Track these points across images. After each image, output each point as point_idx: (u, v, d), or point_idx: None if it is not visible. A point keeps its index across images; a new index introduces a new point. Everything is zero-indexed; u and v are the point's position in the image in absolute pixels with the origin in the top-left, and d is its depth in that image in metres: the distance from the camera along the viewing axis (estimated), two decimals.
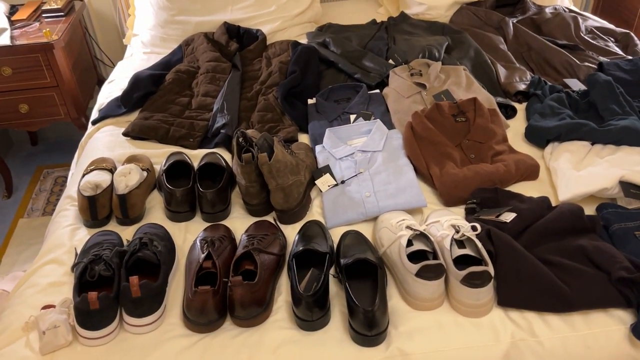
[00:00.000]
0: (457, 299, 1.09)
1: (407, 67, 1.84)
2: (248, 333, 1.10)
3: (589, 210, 1.33)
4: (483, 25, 2.22)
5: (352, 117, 1.69)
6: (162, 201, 1.47)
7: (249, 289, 1.10)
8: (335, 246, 1.27)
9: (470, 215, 1.31)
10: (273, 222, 1.38)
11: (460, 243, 1.17)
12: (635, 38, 2.08)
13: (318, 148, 1.56)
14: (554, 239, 1.20)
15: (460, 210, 1.36)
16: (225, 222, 1.40)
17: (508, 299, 1.10)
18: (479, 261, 1.13)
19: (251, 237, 1.26)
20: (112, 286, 1.11)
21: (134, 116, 1.83)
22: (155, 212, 1.44)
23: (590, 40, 2.06)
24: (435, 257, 1.14)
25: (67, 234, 1.35)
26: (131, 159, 1.56)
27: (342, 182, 1.44)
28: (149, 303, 1.09)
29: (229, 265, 1.21)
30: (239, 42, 2.18)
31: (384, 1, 2.52)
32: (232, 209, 1.44)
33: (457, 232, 1.15)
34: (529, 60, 2.01)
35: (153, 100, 1.84)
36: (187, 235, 1.35)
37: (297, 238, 1.27)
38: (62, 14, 2.47)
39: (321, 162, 1.51)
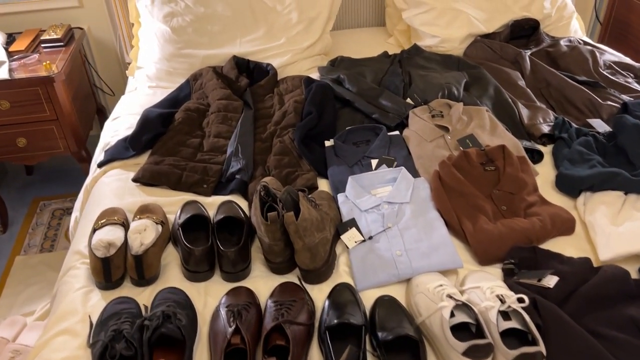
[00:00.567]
0: None
1: (427, 108, 1.78)
2: None
3: (631, 268, 1.27)
4: (498, 59, 2.17)
5: (374, 162, 1.62)
6: (177, 257, 1.39)
7: None
8: (368, 313, 1.20)
9: (508, 277, 1.25)
10: (298, 282, 1.30)
11: (505, 314, 1.10)
12: None
13: (341, 198, 1.49)
14: (601, 307, 1.13)
15: (496, 271, 1.29)
16: (246, 282, 1.32)
17: None
18: (526, 334, 1.07)
19: (278, 304, 1.19)
20: None
21: (142, 158, 1.75)
22: (171, 269, 1.36)
23: (610, 77, 2.02)
24: (480, 330, 1.07)
25: (79, 298, 1.26)
26: (143, 210, 1.48)
27: (370, 237, 1.36)
28: None
29: (256, 336, 1.13)
30: (248, 76, 2.11)
31: (395, 32, 2.46)
32: (253, 266, 1.37)
33: (503, 302, 1.09)
34: (549, 98, 1.96)
35: (163, 142, 1.76)
36: (208, 299, 1.27)
37: (327, 305, 1.20)
38: (61, 44, 2.39)
39: (345, 214, 1.44)
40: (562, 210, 1.41)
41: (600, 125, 1.76)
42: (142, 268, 1.29)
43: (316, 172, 1.63)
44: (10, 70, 2.19)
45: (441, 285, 1.17)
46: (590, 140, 1.63)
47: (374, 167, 1.60)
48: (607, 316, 1.11)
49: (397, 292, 1.25)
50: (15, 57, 2.28)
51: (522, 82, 1.99)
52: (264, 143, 1.77)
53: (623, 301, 1.14)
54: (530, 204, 1.42)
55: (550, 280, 1.19)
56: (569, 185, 1.49)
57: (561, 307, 1.13)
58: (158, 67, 2.18)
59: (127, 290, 1.30)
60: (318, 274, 1.30)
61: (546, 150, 1.70)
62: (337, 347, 1.10)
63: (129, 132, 1.86)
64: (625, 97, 1.89)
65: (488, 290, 1.13)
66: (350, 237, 1.37)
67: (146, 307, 1.22)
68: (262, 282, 1.31)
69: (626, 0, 2.87)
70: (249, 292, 1.25)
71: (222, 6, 2.17)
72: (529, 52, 2.19)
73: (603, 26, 3.03)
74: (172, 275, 1.34)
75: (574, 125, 1.74)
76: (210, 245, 1.33)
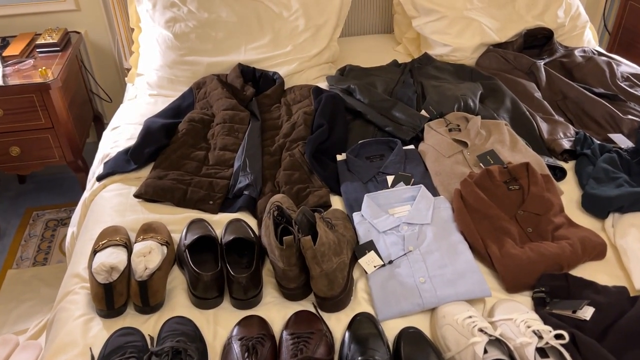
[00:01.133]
0: None
1: (443, 121, 1.70)
2: None
3: None
4: (512, 69, 2.10)
5: (389, 178, 1.54)
6: (183, 281, 1.30)
7: None
8: (392, 346, 1.11)
9: (540, 307, 1.17)
10: (313, 309, 1.22)
11: (541, 351, 1.02)
12: None
13: (357, 218, 1.40)
14: None
15: (525, 299, 1.21)
16: (258, 310, 1.23)
17: None
18: None
19: (295, 337, 1.10)
20: None
21: (144, 172, 1.66)
22: (177, 294, 1.27)
23: (629, 89, 1.96)
24: None
25: (79, 328, 1.17)
26: (147, 230, 1.39)
27: (390, 262, 1.28)
28: None
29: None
30: (254, 85, 2.02)
31: (404, 40, 2.39)
32: (265, 292, 1.28)
33: (540, 338, 1.01)
34: (566, 110, 1.89)
35: (166, 155, 1.67)
36: (218, 329, 1.18)
37: (347, 338, 1.11)
38: (58, 49, 2.29)
39: (362, 236, 1.36)
40: (592, 233, 1.33)
41: (622, 141, 1.69)
42: (147, 295, 1.20)
43: (329, 189, 1.55)
44: (4, 76, 2.09)
45: (470, 317, 1.09)
46: (615, 157, 1.56)
47: (389, 183, 1.53)
48: None
49: (421, 323, 1.17)
50: (9, 62, 2.18)
51: (538, 94, 1.92)
52: (273, 157, 1.68)
53: None
54: (558, 226, 1.35)
55: (586, 312, 1.11)
56: (597, 206, 1.42)
57: (599, 342, 1.06)
58: (159, 75, 2.09)
59: (131, 318, 1.21)
60: (336, 302, 1.21)
61: (568, 166, 1.62)
62: None
63: (130, 142, 1.77)
64: None
65: (522, 323, 1.05)
66: (368, 262, 1.29)
67: (152, 338, 1.13)
68: (275, 310, 1.23)
69: (636, 9, 2.82)
70: (262, 322, 1.17)
71: (226, 12, 2.08)
72: (542, 63, 2.12)
73: (612, 36, 2.98)
74: (179, 301, 1.25)
75: (596, 141, 1.67)
76: (220, 270, 1.24)
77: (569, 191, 1.53)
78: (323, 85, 2.05)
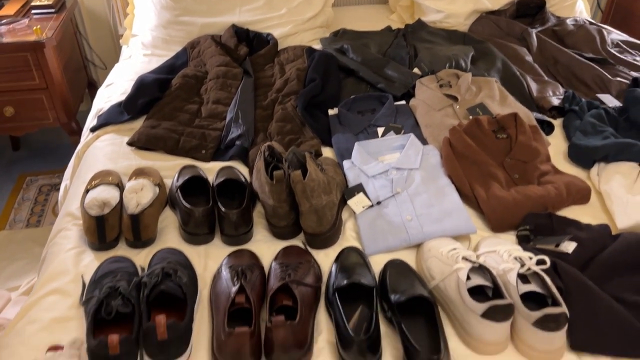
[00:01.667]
0: (528, 343, 0.97)
1: (434, 78, 1.72)
2: None
3: None
4: (505, 35, 2.13)
5: (380, 130, 1.56)
6: (175, 220, 1.32)
7: (290, 330, 0.96)
8: (378, 277, 1.14)
9: (524, 243, 1.19)
10: (303, 247, 1.24)
11: (523, 278, 1.04)
12: None
13: (347, 164, 1.43)
14: (624, 273, 1.08)
15: (510, 237, 1.24)
16: (248, 246, 1.25)
17: (582, 343, 0.98)
18: (545, 298, 1.01)
19: (284, 266, 1.12)
20: (131, 325, 0.95)
21: (137, 124, 1.67)
22: (168, 232, 1.29)
23: (618, 55, 1.98)
24: (497, 292, 1.01)
25: (70, 258, 1.19)
26: (139, 173, 1.40)
27: (378, 202, 1.30)
28: (175, 346, 0.94)
29: (261, 296, 1.07)
30: (248, 46, 2.03)
31: (398, 8, 2.40)
32: (255, 231, 1.30)
33: (522, 265, 1.03)
34: (557, 74, 1.92)
35: (160, 107, 1.68)
36: (209, 262, 1.20)
37: (334, 268, 1.13)
38: (52, 10, 2.29)
39: (351, 180, 1.38)
40: (577, 178, 1.36)
41: (610, 101, 1.71)
42: (139, 229, 1.21)
43: (320, 140, 1.57)
44: None
45: (455, 249, 1.11)
46: (602, 113, 1.58)
47: (380, 135, 1.54)
48: (630, 282, 1.06)
49: (407, 257, 1.20)
50: (4, 22, 2.18)
51: (529, 58, 1.95)
52: (265, 110, 1.70)
53: None
54: (544, 172, 1.37)
55: (569, 246, 1.14)
56: (582, 155, 1.45)
57: (581, 273, 1.08)
58: (154, 35, 2.10)
59: (122, 252, 1.22)
60: (324, 239, 1.24)
61: (556, 123, 1.65)
62: (347, 309, 1.04)
63: (123, 97, 1.78)
64: (635, 74, 1.85)
65: (505, 253, 1.08)
66: (357, 202, 1.31)
67: (142, 268, 1.15)
68: (265, 247, 1.25)
69: None
70: (252, 255, 1.19)
71: None
72: (535, 31, 2.14)
73: (605, 12, 3.00)
74: (170, 238, 1.27)
75: (584, 99, 1.69)
76: (211, 207, 1.26)
77: (557, 144, 1.55)
78: (317, 47, 2.06)
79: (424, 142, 1.52)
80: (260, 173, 1.27)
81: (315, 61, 1.80)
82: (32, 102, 2.21)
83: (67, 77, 2.31)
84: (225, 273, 1.10)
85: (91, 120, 1.78)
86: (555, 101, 1.69)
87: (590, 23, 2.23)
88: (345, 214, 1.33)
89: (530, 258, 1.04)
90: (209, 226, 1.26)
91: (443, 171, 1.37)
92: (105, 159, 1.53)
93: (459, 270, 1.03)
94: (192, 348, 1.00)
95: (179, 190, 1.31)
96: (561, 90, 1.75)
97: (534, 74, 1.86)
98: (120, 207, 1.26)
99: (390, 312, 1.02)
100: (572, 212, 1.30)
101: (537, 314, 0.94)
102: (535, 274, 1.04)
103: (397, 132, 1.52)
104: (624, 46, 2.05)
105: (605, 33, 2.09)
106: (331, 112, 1.67)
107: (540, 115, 1.60)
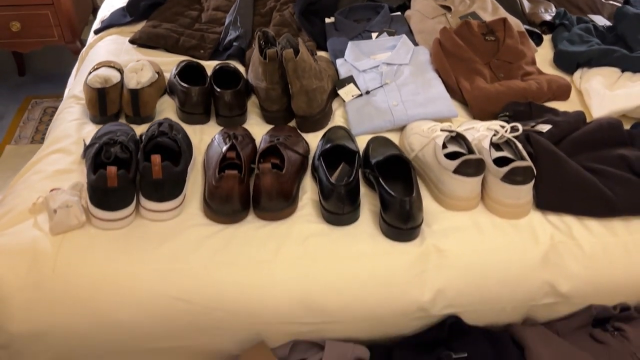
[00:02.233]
0: (496, 198, 1.04)
1: None
2: (274, 225, 1.04)
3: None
4: None
5: (374, 35, 1.61)
6: (173, 104, 1.38)
7: (276, 179, 1.03)
8: (362, 151, 1.20)
9: None
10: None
11: (497, 148, 1.11)
12: None
13: (339, 61, 1.48)
14: (593, 149, 1.15)
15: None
16: None
17: (548, 202, 1.06)
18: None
19: (274, 137, 1.19)
20: (130, 169, 1.03)
21: (139, 26, 1.72)
22: (166, 114, 1.35)
23: None
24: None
25: (74, 127, 1.26)
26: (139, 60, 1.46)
27: (367, 92, 1.36)
28: (170, 187, 1.01)
29: (251, 159, 1.13)
30: None
31: None
32: (249, 116, 1.36)
33: (496, 133, 1.10)
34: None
35: (161, 11, 1.73)
36: (204, 137, 1.27)
37: (321, 142, 1.20)
38: None
39: (343, 74, 1.43)
40: (558, 76, 1.42)
41: (600, 20, 1.75)
42: (138, 104, 1.28)
43: (316, 44, 1.62)
44: None
45: (435, 125, 1.17)
46: (591, 27, 1.63)
47: (374, 38, 1.60)
48: (598, 155, 1.13)
49: (391, 138, 1.26)
50: None
51: None
52: (264, 17, 1.75)
53: (615, 146, 1.16)
54: (528, 72, 1.43)
55: (544, 127, 1.20)
56: (566, 60, 1.50)
57: None
58: None
59: None
60: (314, 122, 1.30)
61: (547, 38, 1.69)
62: (331, 172, 1.10)
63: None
64: None
65: (482, 127, 1.14)
66: (347, 92, 1.37)
67: (141, 136, 1.21)
68: (257, 129, 1.31)
69: None
70: (245, 129, 1.25)
71: None
72: None
73: None
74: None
75: (575, 16, 1.73)
76: (207, 87, 1.32)
77: (544, 54, 1.59)
78: None
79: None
80: (254, 56, 1.33)
81: None
82: (38, 18, 2.26)
83: None
84: (218, 137, 1.17)
85: (96, 25, 1.83)
86: (547, 17, 1.73)
87: None
88: (335, 104, 1.39)
89: (504, 127, 1.10)
90: (204, 107, 1.32)
91: (431, 67, 1.43)
92: (107, 54, 1.59)
93: (437, 138, 1.10)
94: (185, 197, 1.07)
95: (177, 76, 1.37)
96: (553, 8, 1.79)
97: None
98: (121, 86, 1.33)
99: (370, 173, 1.09)
100: (552, 106, 1.36)
101: (505, 169, 1.01)
102: (508, 144, 1.10)
103: (390, 35, 1.57)
104: None
105: None
106: (328, 20, 1.71)
107: (530, 27, 1.65)
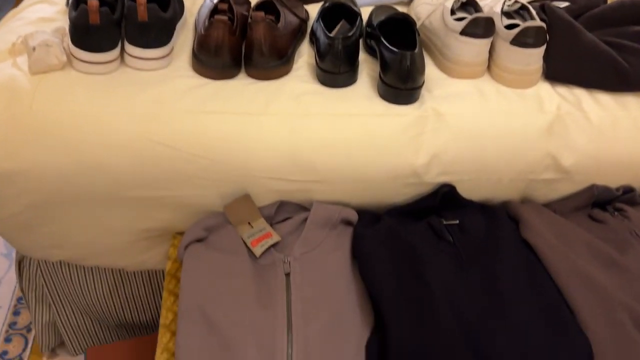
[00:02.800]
0: (503, 65, 0.98)
1: None
2: (265, 83, 0.98)
3: None
4: None
5: None
6: None
7: (270, 31, 0.96)
8: (365, 21, 1.13)
9: None
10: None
11: (509, 16, 1.03)
12: None
13: None
14: (612, 24, 1.07)
15: None
16: None
17: (558, 73, 0.99)
18: None
19: None
20: (115, 10, 0.96)
21: None
22: None
23: None
24: None
25: None
26: None
27: None
28: (156, 32, 0.95)
29: (245, 19, 1.07)
30: None
31: None
32: None
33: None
34: None
35: None
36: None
37: (320, 9, 1.13)
38: None
39: None
40: None
41: None
42: None
43: None
44: None
45: None
46: None
47: None
48: (617, 31, 1.05)
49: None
50: None
51: None
52: None
53: (636, 23, 1.08)
54: None
55: (561, 4, 1.12)
56: None
57: None
58: None
59: None
60: None
61: None
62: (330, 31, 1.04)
63: None
64: None
65: None
66: None
67: None
68: None
69: None
70: None
71: None
72: None
73: None
74: None
75: None
76: None
77: None
78: None
79: None
80: None
81: None
82: None
83: None
84: None
85: None
86: None
87: None
88: None
89: None
90: None
91: None
92: None
93: (446, 2, 1.02)
94: (173, 50, 1.01)
95: None
96: None
97: None
98: None
99: (372, 32, 1.02)
100: None
101: (516, 30, 0.94)
102: (520, 14, 1.02)
103: None
104: None
105: None
106: None
107: None
